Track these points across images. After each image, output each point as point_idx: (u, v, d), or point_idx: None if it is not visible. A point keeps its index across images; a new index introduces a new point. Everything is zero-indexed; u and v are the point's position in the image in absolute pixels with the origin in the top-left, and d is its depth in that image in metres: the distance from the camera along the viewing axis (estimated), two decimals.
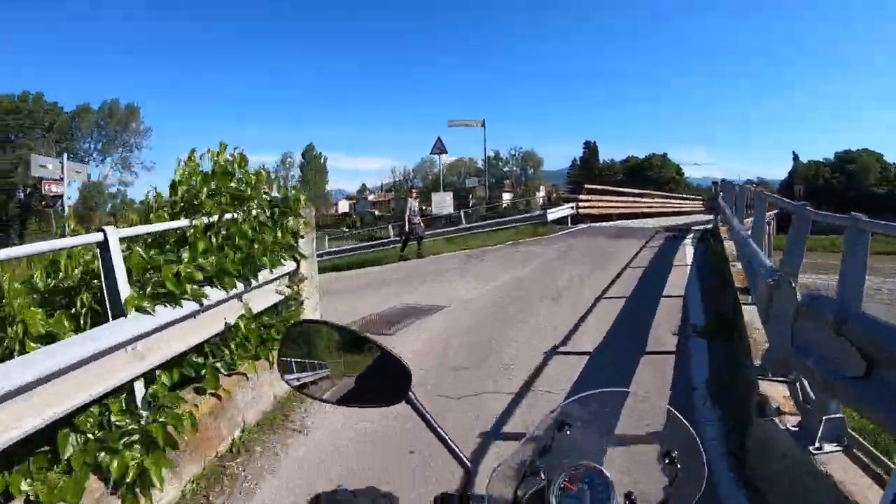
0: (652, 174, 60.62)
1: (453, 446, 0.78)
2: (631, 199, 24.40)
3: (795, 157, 72.33)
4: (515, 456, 0.79)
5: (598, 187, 23.42)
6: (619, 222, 19.74)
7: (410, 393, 0.78)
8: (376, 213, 72.77)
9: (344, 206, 75.68)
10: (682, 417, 0.79)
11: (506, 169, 70.82)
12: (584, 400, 0.81)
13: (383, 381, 0.80)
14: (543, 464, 0.76)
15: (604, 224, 18.67)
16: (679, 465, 0.74)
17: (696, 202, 28.55)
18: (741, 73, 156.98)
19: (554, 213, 18.26)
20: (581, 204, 19.45)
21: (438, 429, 0.78)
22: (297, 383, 0.86)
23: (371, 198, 74.02)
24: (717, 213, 13.67)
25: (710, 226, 15.07)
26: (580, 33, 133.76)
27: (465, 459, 0.78)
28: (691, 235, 14.17)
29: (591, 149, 69.50)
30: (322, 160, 72.45)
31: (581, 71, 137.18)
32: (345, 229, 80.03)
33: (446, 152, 22.67)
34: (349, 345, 0.85)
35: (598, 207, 20.37)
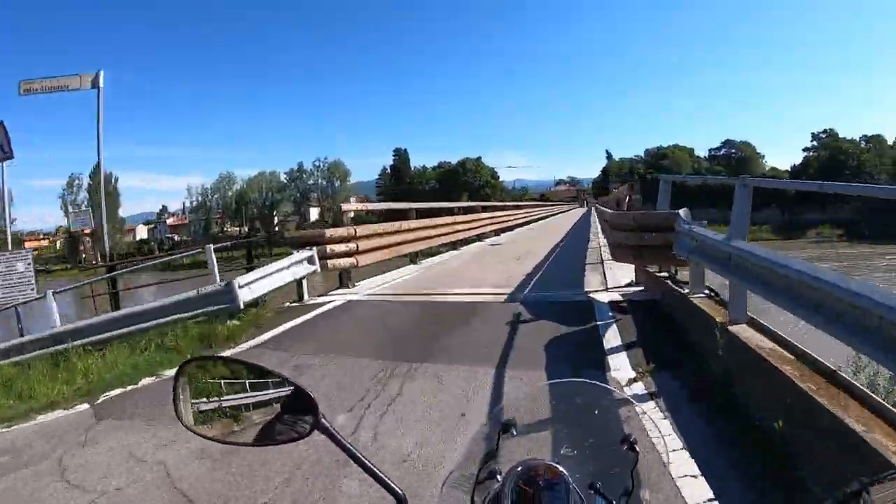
0: (467, 179, 66.18)
1: (381, 475, 0.78)
2: (440, 224, 13.39)
3: (609, 156, 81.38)
4: (462, 466, 0.82)
5: (371, 207, 19.13)
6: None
7: (323, 421, 0.79)
8: (175, 237, 69.47)
9: (143, 232, 73.04)
10: (633, 401, 0.84)
11: (311, 182, 69.18)
12: (526, 397, 0.85)
13: (292, 414, 0.81)
14: (494, 468, 0.79)
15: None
16: (639, 449, 0.79)
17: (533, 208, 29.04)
18: (558, 77, 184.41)
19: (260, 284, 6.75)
20: (335, 249, 8.01)
21: (361, 457, 0.78)
22: (196, 425, 0.84)
23: (170, 221, 71.72)
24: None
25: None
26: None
27: (395, 488, 0.77)
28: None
29: (401, 157, 73.34)
30: (113, 181, 64.22)
31: (389, 74, 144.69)
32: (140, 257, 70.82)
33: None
34: (251, 379, 0.85)
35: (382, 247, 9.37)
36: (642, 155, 76.23)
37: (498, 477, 0.78)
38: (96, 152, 14.79)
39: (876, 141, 63.00)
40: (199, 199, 69.44)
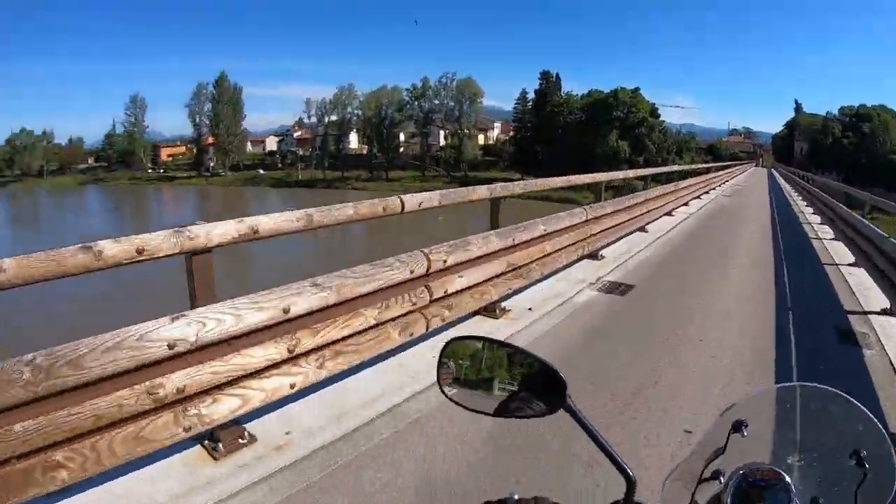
0: (619, 114, 65.13)
1: (616, 456, 0.91)
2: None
3: (798, 108, 79.67)
4: (688, 462, 0.93)
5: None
6: None
7: (569, 401, 0.95)
8: (300, 151, 79.30)
9: (272, 144, 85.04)
10: (869, 413, 0.88)
11: (436, 101, 72.63)
12: (760, 397, 0.96)
13: (540, 392, 1.01)
14: (719, 467, 0.89)
15: None
16: (867, 466, 0.83)
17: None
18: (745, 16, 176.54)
19: None
20: None
21: (599, 437, 0.92)
22: (455, 396, 1.09)
23: (297, 135, 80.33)
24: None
25: None
26: None
27: (627, 470, 0.91)
28: None
29: (548, 80, 72.37)
30: (237, 92, 77.94)
31: None
32: (261, 172, 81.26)
33: None
34: (506, 358, 1.09)
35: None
36: (835, 113, 72.90)
37: (721, 479, 0.88)
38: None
39: None
40: (318, 113, 76.29)
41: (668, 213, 12.87)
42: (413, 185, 64.53)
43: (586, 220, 6.47)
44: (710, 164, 33.71)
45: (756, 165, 71.00)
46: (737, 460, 0.88)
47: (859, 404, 0.91)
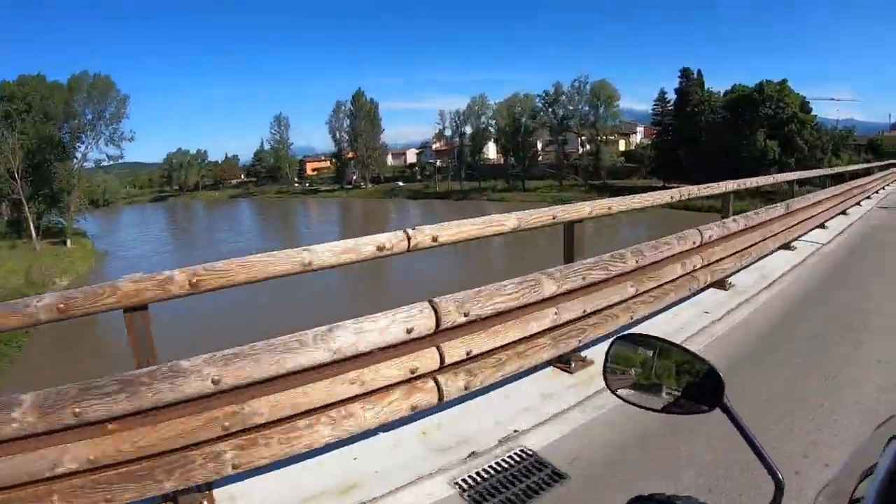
0: (765, 111, 62.54)
1: (767, 459, 0.95)
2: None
3: None
4: (840, 478, 0.96)
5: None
6: None
7: (726, 401, 1.02)
8: (438, 162, 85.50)
9: (412, 157, 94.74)
10: None
11: (570, 107, 73.38)
12: None
13: (700, 390, 1.10)
14: (870, 490, 0.85)
15: None
16: None
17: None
18: None
19: None
20: None
21: (753, 438, 0.97)
22: (623, 393, 1.21)
23: (436, 146, 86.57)
24: None
25: None
26: None
27: (778, 475, 0.94)
28: None
29: (689, 78, 70.40)
30: (373, 107, 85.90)
31: None
32: (399, 184, 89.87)
33: None
34: (669, 356, 1.18)
35: None
36: None
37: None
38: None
39: None
40: (452, 124, 79.81)
41: (821, 226, 10.93)
42: (549, 194, 65.93)
43: (698, 246, 5.32)
44: (870, 164, 28.01)
45: None
46: (892, 483, 0.86)
47: None
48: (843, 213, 13.27)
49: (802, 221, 8.98)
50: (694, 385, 1.13)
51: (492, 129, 77.02)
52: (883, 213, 14.55)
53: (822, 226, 10.74)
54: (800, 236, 9.22)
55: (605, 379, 1.27)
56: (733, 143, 63.91)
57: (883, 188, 21.97)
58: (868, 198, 17.24)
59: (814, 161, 60.88)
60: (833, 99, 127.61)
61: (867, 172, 21.79)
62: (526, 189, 72.43)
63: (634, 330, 4.22)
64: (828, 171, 21.11)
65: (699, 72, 71.53)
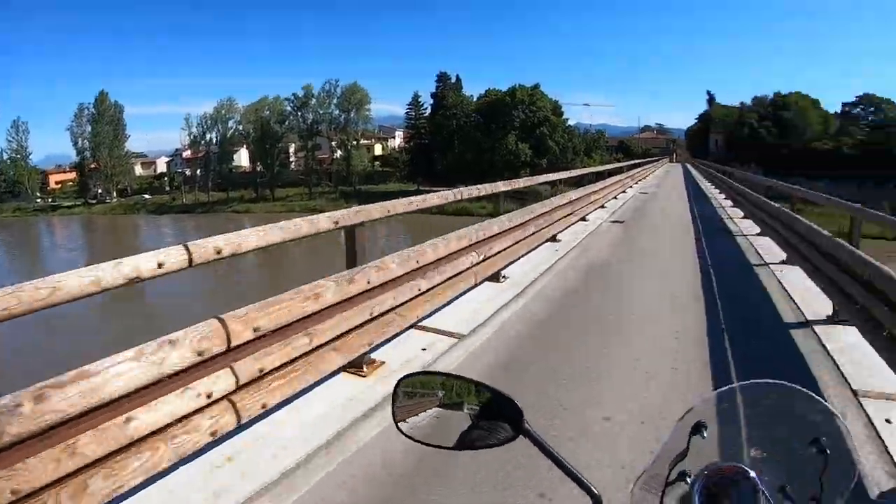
0: (518, 114, 63.41)
1: (579, 476, 0.96)
2: None
3: (711, 99, 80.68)
4: (653, 468, 0.98)
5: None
6: None
7: (527, 426, 1.01)
8: (187, 172, 77.56)
9: (162, 165, 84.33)
10: (824, 402, 0.95)
11: (321, 111, 70.08)
12: (716, 399, 1.01)
13: (498, 421, 1.05)
14: (684, 469, 0.94)
15: None
16: (829, 452, 0.90)
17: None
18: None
19: None
20: None
21: (561, 459, 0.97)
22: (413, 433, 1.12)
23: (186, 154, 77.73)
24: None
25: None
26: None
27: (591, 488, 0.96)
28: None
29: (446, 83, 70.71)
30: (117, 111, 75.00)
31: None
32: (146, 197, 78.38)
33: None
34: (460, 391, 1.12)
35: None
36: (748, 102, 74.30)
37: (687, 479, 0.92)
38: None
39: None
40: (198, 130, 72.94)
41: (583, 219, 12.99)
42: (298, 203, 62.80)
43: (474, 243, 5.77)
44: (618, 165, 30.36)
45: (670, 161, 71.16)
46: (700, 462, 0.93)
47: (813, 394, 0.97)
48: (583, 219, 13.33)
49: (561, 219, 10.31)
50: (490, 416, 1.08)
51: (240, 135, 71.96)
52: (614, 232, 12.81)
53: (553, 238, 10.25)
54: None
55: (395, 420, 1.15)
56: (486, 146, 63.00)
57: (631, 187, 23.96)
58: (602, 206, 16.55)
59: (565, 162, 59.06)
60: (586, 104, 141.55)
61: (611, 173, 23.05)
62: (276, 198, 67.77)
63: (425, 323, 5.19)
64: (587, 170, 22.44)
65: (458, 77, 71.86)
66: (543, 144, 62.53)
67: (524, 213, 7.52)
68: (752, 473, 0.90)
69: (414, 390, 1.17)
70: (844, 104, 74.43)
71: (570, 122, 70.09)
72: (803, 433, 0.94)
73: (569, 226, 10.82)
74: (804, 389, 0.99)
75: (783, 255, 8.39)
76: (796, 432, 0.95)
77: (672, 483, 0.94)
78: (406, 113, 72.61)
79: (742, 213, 15.00)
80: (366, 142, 72.87)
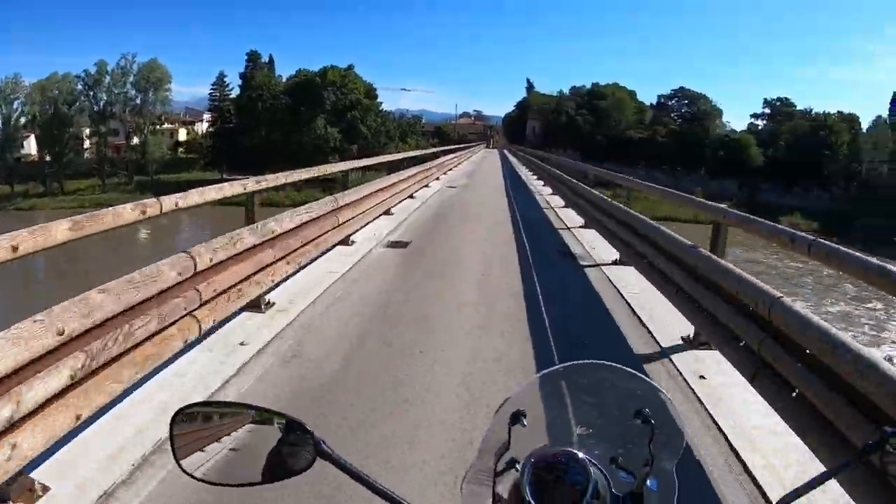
0: (329, 97, 61.44)
1: (384, 490, 0.92)
2: None
3: (529, 86, 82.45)
4: (479, 461, 0.98)
5: None
6: None
7: (324, 447, 0.95)
8: None
9: None
10: (642, 376, 1.00)
11: (115, 91, 64.82)
12: (532, 386, 1.03)
13: (293, 447, 0.97)
14: (513, 456, 0.94)
15: None
16: (653, 422, 0.92)
17: None
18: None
19: None
20: None
21: (363, 475, 0.92)
22: (199, 472, 0.99)
23: None
24: None
25: None
26: None
27: (403, 502, 0.92)
28: None
29: (257, 62, 66.98)
30: None
31: None
32: None
33: None
34: (245, 420, 1.02)
35: None
36: (566, 91, 77.56)
37: (517, 466, 0.93)
38: None
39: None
40: None
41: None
42: (89, 197, 56.89)
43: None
44: (421, 152, 26.73)
45: (487, 147, 71.90)
46: (527, 449, 0.94)
47: (630, 369, 1.02)
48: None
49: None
50: (284, 444, 1.01)
51: (27, 119, 63.06)
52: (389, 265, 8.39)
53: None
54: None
55: (176, 458, 1.03)
56: (294, 130, 60.46)
57: (438, 178, 21.48)
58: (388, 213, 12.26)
59: (378, 147, 57.18)
60: (405, 89, 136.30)
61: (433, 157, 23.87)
62: (66, 192, 60.57)
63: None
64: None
65: (271, 57, 68.71)
66: (355, 129, 60.37)
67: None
68: (580, 453, 0.92)
69: (194, 424, 1.04)
70: (660, 96, 78.30)
71: (392, 108, 69.61)
72: (627, 407, 0.97)
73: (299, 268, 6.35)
74: (623, 367, 1.02)
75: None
76: (620, 407, 0.98)
77: (502, 473, 0.95)
78: (210, 94, 66.91)
79: (563, 203, 15.27)
80: (171, 126, 68.15)
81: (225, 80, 66.85)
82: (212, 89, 67.11)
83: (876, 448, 0.89)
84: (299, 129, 58.60)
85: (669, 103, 79.53)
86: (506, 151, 60.48)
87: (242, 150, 59.29)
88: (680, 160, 69.67)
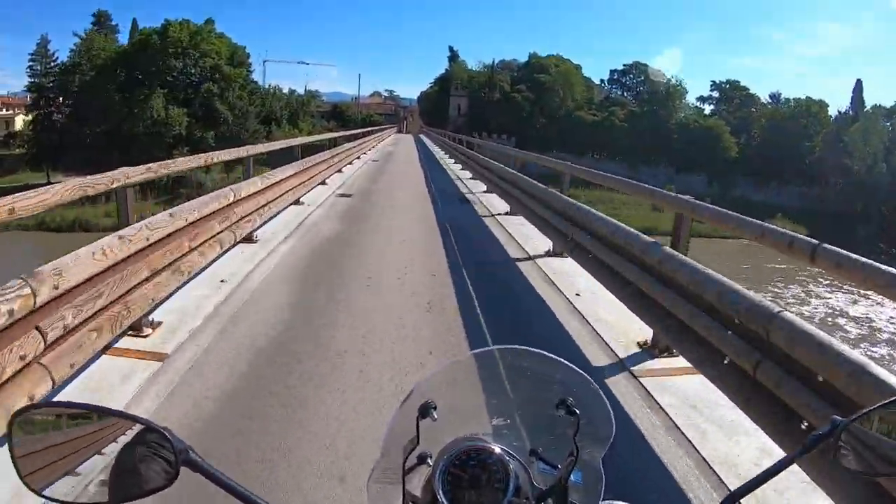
0: (175, 64, 45.82)
1: (255, 499, 0.84)
2: None
3: (453, 56, 71.38)
4: (385, 459, 0.93)
5: None
6: None
7: (192, 455, 0.85)
8: None
9: None
10: (567, 362, 0.96)
11: None
12: (439, 375, 0.98)
13: (152, 457, 0.85)
14: (423, 451, 0.91)
15: None
16: (579, 412, 0.89)
17: None
18: None
19: None
20: None
21: (232, 483, 0.84)
22: (46, 488, 0.85)
23: None
24: None
25: None
26: None
27: None
28: None
29: (103, 23, 51.35)
30: None
31: None
32: None
33: None
34: (96, 425, 0.88)
35: None
36: (493, 63, 66.42)
37: (429, 461, 0.90)
38: None
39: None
40: None
41: None
42: None
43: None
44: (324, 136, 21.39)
45: (399, 131, 62.12)
46: (439, 443, 0.92)
47: (553, 355, 0.99)
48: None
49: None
50: (146, 455, 0.86)
51: None
52: None
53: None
54: None
55: (21, 474, 0.86)
56: (125, 113, 44.18)
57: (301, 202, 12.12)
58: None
59: (246, 134, 39.12)
60: (304, 62, 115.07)
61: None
62: None
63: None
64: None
65: (134, 21, 51.91)
66: (211, 108, 43.29)
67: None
68: (496, 447, 0.89)
69: (37, 432, 0.90)
70: (613, 71, 69.27)
71: (290, 87, 58.25)
72: (549, 396, 0.94)
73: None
74: (543, 352, 1.00)
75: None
76: (541, 396, 0.96)
77: (412, 469, 0.91)
78: (29, 67, 48.90)
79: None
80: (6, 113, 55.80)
81: (48, 47, 49.29)
82: (30, 61, 48.91)
83: (825, 437, 0.87)
84: (132, 113, 41.43)
85: (624, 80, 66.96)
86: (423, 137, 50.73)
87: (76, 142, 44.96)
88: (638, 149, 58.21)
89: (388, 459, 0.91)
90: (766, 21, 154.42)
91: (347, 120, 59.62)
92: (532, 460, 0.90)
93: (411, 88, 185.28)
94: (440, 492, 0.82)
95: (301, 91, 60.83)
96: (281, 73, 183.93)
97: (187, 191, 25.23)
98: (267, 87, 56.68)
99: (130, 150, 38.96)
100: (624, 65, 67.65)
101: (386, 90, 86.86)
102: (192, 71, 45.46)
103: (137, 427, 0.85)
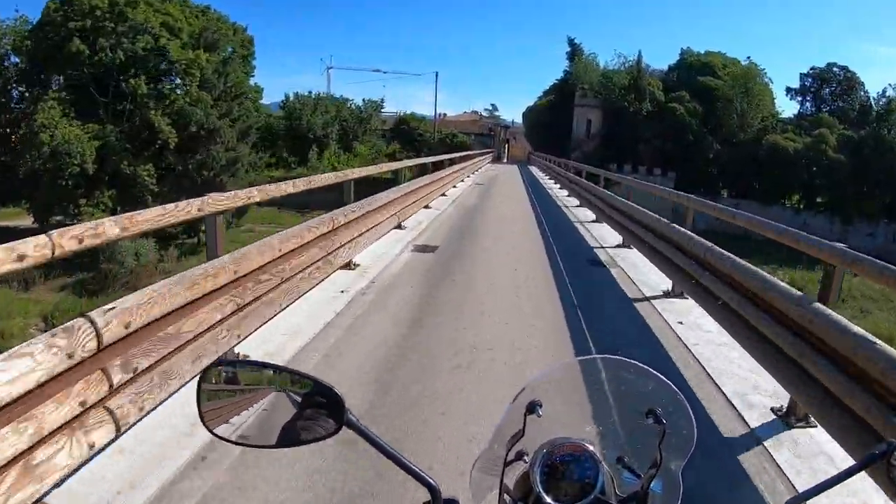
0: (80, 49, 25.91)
1: (410, 465, 0.91)
2: None
3: (574, 51, 48.29)
4: (490, 450, 0.98)
5: None
6: None
7: (351, 416, 0.92)
8: None
9: None
10: (658, 374, 0.99)
11: None
12: (548, 377, 1.02)
13: (319, 412, 0.93)
14: (522, 448, 0.96)
15: None
16: (666, 422, 0.92)
17: None
18: None
19: None
20: None
21: (391, 450, 0.91)
22: (225, 432, 0.99)
23: None
24: None
25: None
26: None
27: (426, 478, 0.91)
28: None
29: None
30: None
31: None
32: None
33: None
34: (274, 382, 0.98)
35: None
36: (639, 58, 44.18)
37: (525, 458, 0.96)
38: None
39: None
40: None
41: None
42: None
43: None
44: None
45: (497, 159, 42.66)
46: (539, 440, 0.97)
47: (647, 367, 1.01)
48: None
49: None
50: (310, 408, 0.97)
51: None
52: None
53: None
54: None
55: (202, 417, 1.00)
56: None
57: None
58: None
59: (227, 177, 28.74)
60: (379, 70, 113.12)
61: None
62: None
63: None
64: None
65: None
66: (143, 119, 22.80)
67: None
68: (590, 447, 0.94)
69: (221, 384, 1.02)
70: (804, 75, 46.24)
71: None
72: (639, 405, 0.98)
73: None
74: (638, 363, 1.03)
75: None
76: (633, 404, 0.99)
77: (511, 463, 0.97)
78: None
79: None
80: None
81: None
82: None
83: (881, 457, 0.88)
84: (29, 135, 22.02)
85: (821, 89, 44.55)
86: (534, 170, 33.94)
87: None
88: (858, 195, 37.59)
89: (492, 451, 0.96)
90: None
91: (418, 141, 41.73)
92: (618, 467, 0.95)
93: (513, 110, 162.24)
94: (537, 483, 0.87)
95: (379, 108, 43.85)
96: (355, 87, 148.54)
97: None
98: (323, 95, 40.40)
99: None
100: (812, 68, 44.89)
101: (486, 108, 68.50)
102: (111, 56, 24.86)
103: (312, 385, 0.94)
